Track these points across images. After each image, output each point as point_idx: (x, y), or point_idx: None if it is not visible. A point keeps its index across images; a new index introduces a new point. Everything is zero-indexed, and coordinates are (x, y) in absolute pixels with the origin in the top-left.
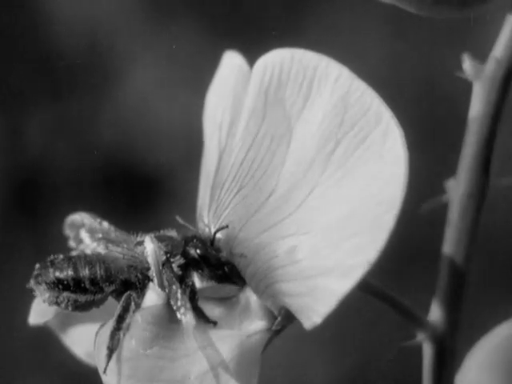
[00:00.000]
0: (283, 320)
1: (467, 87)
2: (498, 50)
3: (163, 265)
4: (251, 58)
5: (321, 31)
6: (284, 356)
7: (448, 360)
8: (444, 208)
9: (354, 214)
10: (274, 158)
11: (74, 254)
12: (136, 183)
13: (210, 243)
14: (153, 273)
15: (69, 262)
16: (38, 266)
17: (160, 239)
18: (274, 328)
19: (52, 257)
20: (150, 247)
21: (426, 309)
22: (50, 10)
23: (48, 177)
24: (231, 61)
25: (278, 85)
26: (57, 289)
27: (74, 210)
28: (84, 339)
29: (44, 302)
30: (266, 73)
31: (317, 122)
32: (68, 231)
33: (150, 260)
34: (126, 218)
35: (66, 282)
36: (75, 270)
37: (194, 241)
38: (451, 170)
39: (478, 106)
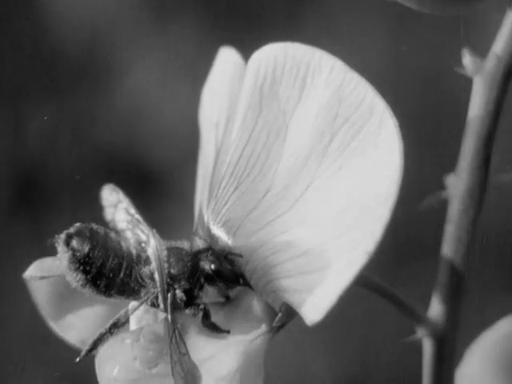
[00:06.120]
0: (283, 316)
1: (467, 83)
2: (499, 46)
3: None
4: (250, 54)
5: (320, 28)
6: (283, 355)
7: (448, 356)
8: (444, 204)
9: (350, 207)
10: (270, 154)
11: (112, 245)
12: (136, 181)
13: (224, 257)
14: (154, 270)
15: (106, 252)
16: (79, 226)
17: (170, 252)
18: (274, 325)
19: (93, 231)
20: (152, 244)
21: (426, 305)
22: (51, 9)
23: (48, 175)
24: (226, 57)
25: (273, 80)
26: (79, 265)
27: (74, 208)
28: (77, 326)
29: (58, 264)
30: (260, 68)
31: (312, 116)
32: (105, 201)
33: (152, 256)
34: None
35: (88, 268)
36: (103, 263)
37: (208, 255)
38: (451, 166)
39: (478, 102)
